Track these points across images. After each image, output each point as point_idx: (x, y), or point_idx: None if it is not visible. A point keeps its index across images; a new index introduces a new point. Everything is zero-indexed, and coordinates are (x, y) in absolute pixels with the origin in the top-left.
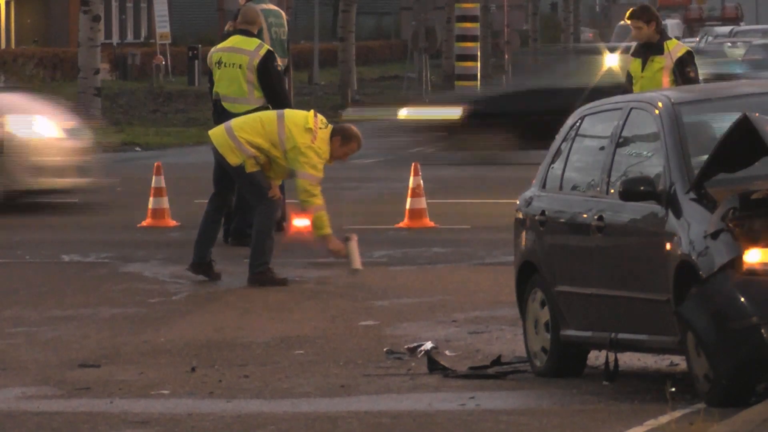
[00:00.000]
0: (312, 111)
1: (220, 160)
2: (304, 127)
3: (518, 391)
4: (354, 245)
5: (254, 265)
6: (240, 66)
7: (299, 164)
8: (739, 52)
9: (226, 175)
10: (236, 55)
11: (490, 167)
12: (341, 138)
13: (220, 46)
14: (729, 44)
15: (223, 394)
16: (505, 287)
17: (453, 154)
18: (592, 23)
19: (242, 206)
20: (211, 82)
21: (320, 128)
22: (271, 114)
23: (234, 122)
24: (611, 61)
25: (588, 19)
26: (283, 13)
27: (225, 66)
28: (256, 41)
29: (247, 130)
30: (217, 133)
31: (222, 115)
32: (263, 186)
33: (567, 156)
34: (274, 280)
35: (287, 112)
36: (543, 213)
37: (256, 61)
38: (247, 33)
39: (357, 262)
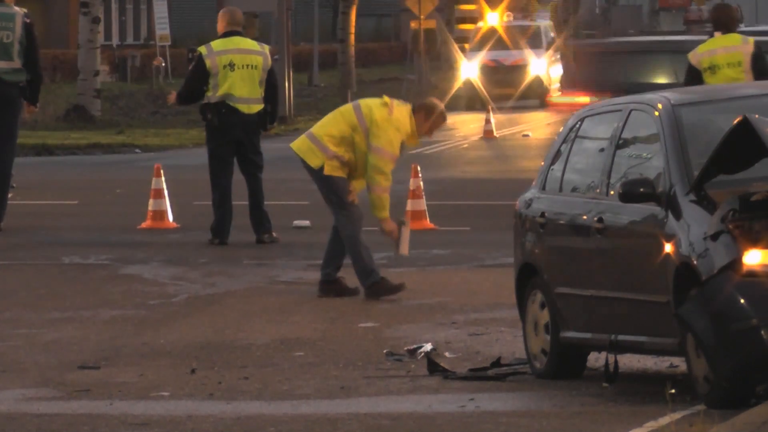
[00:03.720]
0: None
1: (304, 166)
2: (380, 103)
3: (518, 392)
4: (406, 231)
5: (363, 278)
6: (255, 67)
7: (375, 137)
8: None
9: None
10: (250, 56)
11: (489, 168)
12: (425, 112)
13: (223, 48)
14: None
15: (222, 396)
16: (504, 289)
17: None
18: (592, 25)
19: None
20: (204, 84)
21: (397, 105)
22: (347, 104)
23: (314, 126)
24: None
25: (588, 20)
26: (20, 14)
27: (239, 68)
28: (255, 42)
29: (326, 125)
30: (297, 140)
31: (231, 116)
32: (342, 192)
33: (567, 158)
34: (391, 288)
35: (360, 99)
36: (543, 215)
37: (270, 61)
38: (240, 34)
39: (405, 247)
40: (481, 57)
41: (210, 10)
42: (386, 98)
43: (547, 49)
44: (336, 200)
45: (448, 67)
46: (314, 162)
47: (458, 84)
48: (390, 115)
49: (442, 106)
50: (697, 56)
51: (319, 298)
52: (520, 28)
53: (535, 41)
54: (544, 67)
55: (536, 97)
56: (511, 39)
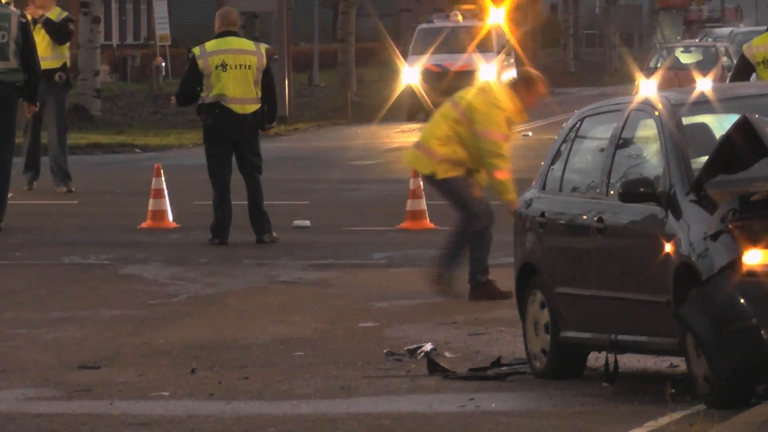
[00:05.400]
0: None
1: (420, 176)
2: (476, 90)
3: (518, 392)
4: None
5: (444, 266)
6: (249, 67)
7: (477, 123)
8: (693, 58)
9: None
10: (243, 56)
11: None
12: (523, 84)
13: (216, 48)
14: (682, 49)
15: (223, 396)
16: (505, 289)
17: None
18: (592, 24)
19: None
20: (199, 85)
21: (494, 84)
22: (445, 103)
23: (420, 136)
24: None
25: (588, 20)
26: (15, 14)
27: (231, 68)
28: (251, 41)
29: (430, 129)
30: (406, 153)
31: (225, 116)
32: (461, 191)
33: (567, 157)
34: (449, 292)
35: (456, 94)
36: (543, 214)
37: (265, 61)
38: (236, 34)
39: None
40: (424, 61)
41: (210, 10)
42: (482, 83)
43: (498, 52)
44: (457, 200)
45: (389, 72)
46: (425, 169)
47: (398, 91)
48: (487, 97)
49: (538, 74)
50: (752, 49)
51: (471, 302)
52: (468, 30)
53: (485, 44)
54: (494, 72)
55: None
56: (459, 41)
